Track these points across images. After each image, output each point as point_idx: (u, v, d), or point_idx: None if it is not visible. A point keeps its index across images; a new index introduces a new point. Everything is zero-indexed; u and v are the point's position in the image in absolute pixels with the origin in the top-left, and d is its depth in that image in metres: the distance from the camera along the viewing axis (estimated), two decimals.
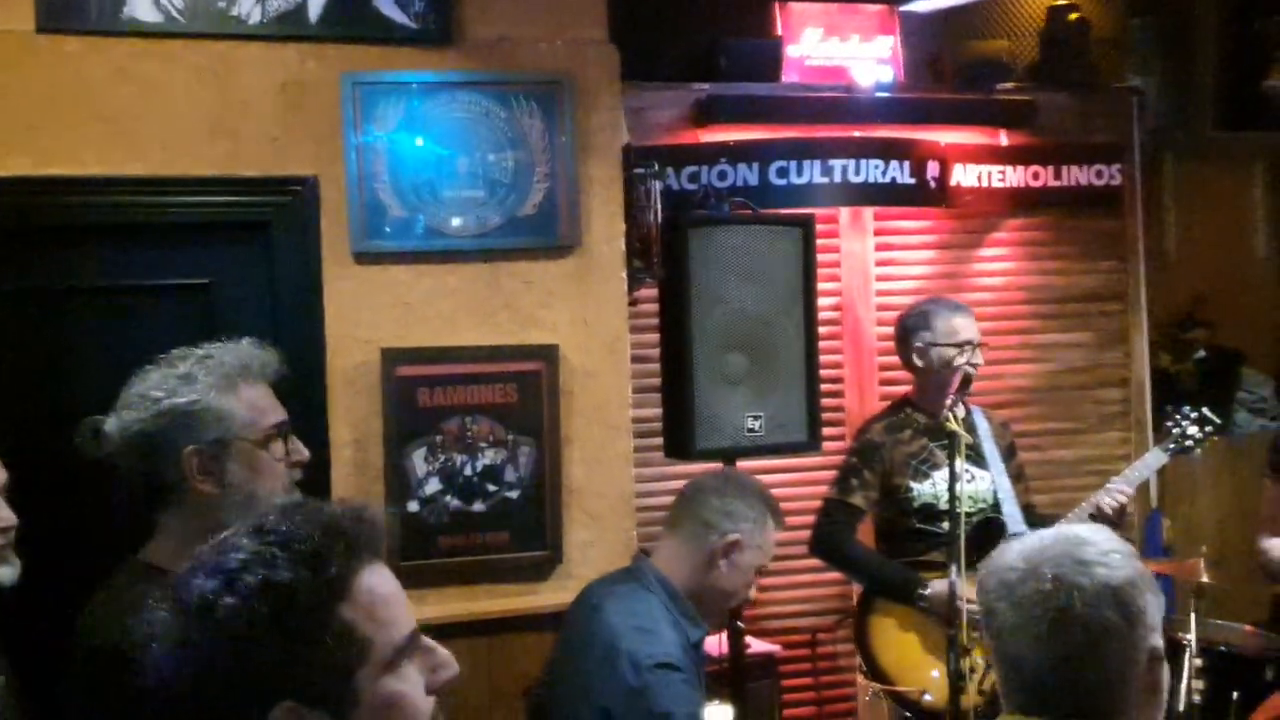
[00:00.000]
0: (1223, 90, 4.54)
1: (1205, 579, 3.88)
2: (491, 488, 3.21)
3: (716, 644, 3.02)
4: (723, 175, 3.99)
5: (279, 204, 3.16)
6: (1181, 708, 3.90)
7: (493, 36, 3.28)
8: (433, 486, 3.17)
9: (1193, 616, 3.85)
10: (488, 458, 3.20)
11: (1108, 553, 1.45)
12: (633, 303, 3.54)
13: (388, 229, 3.18)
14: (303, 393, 3.00)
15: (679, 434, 3.23)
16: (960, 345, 3.42)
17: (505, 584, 3.23)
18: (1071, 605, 1.40)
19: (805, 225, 3.39)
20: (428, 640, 1.16)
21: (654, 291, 3.41)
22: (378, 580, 1.11)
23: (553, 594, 3.19)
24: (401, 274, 3.21)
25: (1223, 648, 3.95)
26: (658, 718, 2.28)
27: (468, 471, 3.19)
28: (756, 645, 3.74)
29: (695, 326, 3.19)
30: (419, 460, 3.16)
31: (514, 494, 3.22)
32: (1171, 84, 4.61)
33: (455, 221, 3.22)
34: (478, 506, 3.19)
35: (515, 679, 3.07)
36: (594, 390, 3.32)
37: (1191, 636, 3.83)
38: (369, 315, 3.19)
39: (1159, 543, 4.49)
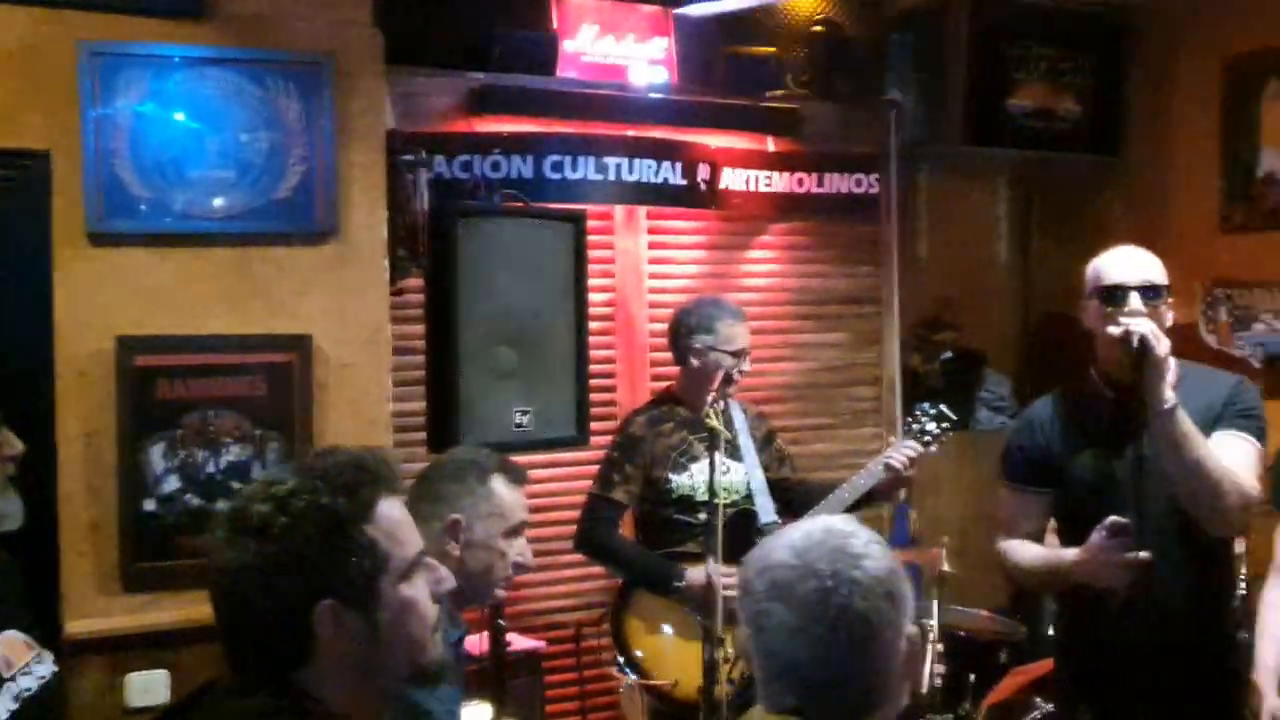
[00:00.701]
0: (971, 108, 4.79)
1: (947, 568, 4.11)
2: (236, 486, 3.04)
3: (477, 642, 2.97)
4: (496, 166, 3.94)
5: (5, 179, 2.91)
6: (924, 690, 4.13)
7: (249, 11, 3.12)
8: (171, 485, 2.99)
9: (935, 604, 4.07)
10: (232, 454, 3.04)
11: (869, 544, 1.47)
12: (398, 292, 3.44)
13: (128, 209, 2.98)
14: (27, 382, 2.78)
15: (444, 428, 3.15)
16: (736, 353, 3.50)
17: None
18: (852, 601, 1.40)
19: (577, 221, 3.38)
20: (429, 559, 1.44)
21: (419, 281, 3.32)
22: (394, 508, 1.39)
23: None
24: (142, 257, 3.01)
25: (962, 633, 4.20)
26: (420, 717, 2.21)
27: (210, 469, 3.03)
28: (519, 642, 3.72)
29: (462, 319, 3.12)
30: (157, 456, 2.97)
31: None
32: (926, 99, 4.85)
33: (203, 203, 3.05)
34: (221, 506, 3.01)
35: None
36: (351, 383, 3.21)
37: (934, 622, 4.05)
38: (105, 301, 2.98)
39: (906, 533, 4.72)
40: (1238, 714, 2.68)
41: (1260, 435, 2.55)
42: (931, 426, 3.65)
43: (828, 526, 1.51)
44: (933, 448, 3.67)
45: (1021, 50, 4.85)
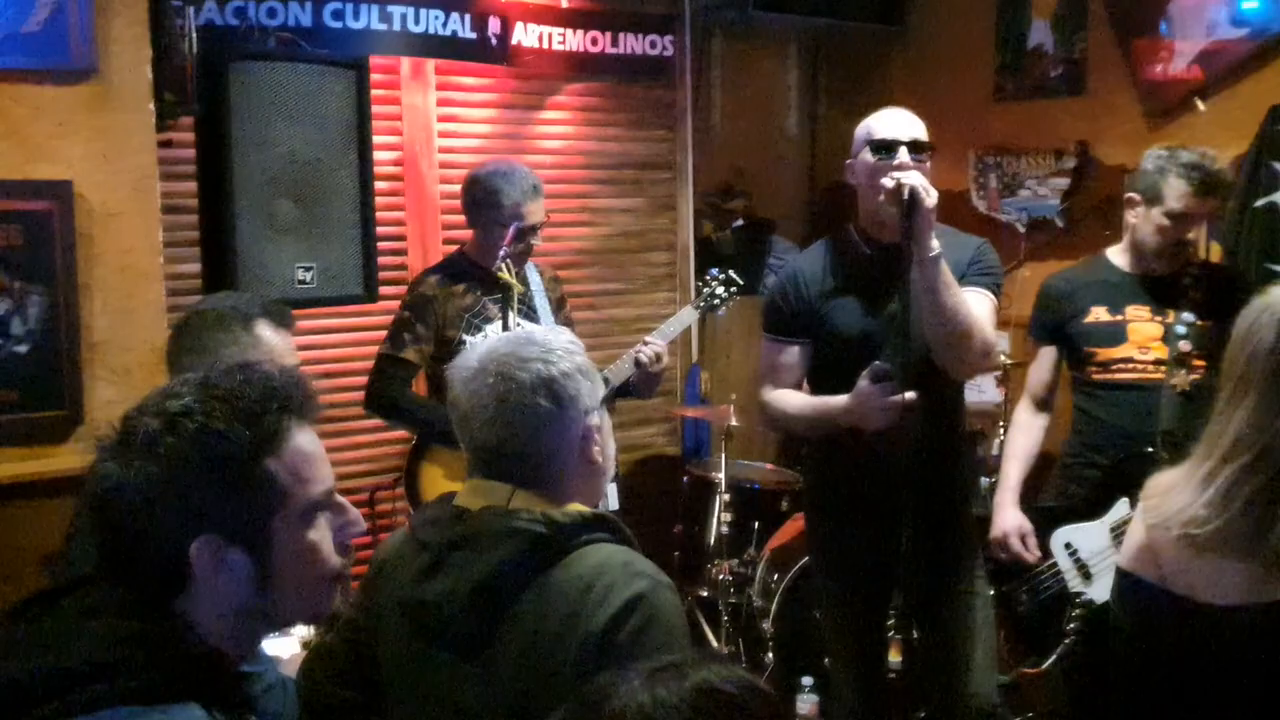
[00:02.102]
0: None
1: (734, 423, 4.28)
2: None
3: None
4: (272, 13, 3.73)
5: None
6: (712, 539, 4.32)
7: None
8: None
9: (723, 457, 4.24)
10: None
11: (550, 350, 1.67)
12: (167, 144, 3.24)
13: None
14: None
15: (220, 287, 3.02)
16: (530, 229, 3.40)
17: (16, 447, 2.91)
18: (509, 395, 1.63)
19: (358, 68, 3.23)
20: (340, 498, 1.31)
21: (191, 135, 3.13)
22: (305, 441, 1.27)
23: (72, 457, 2.91)
24: None
25: (746, 484, 4.39)
26: None
27: None
28: None
29: (237, 169, 2.97)
30: None
31: (23, 348, 2.89)
32: None
33: None
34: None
35: (32, 548, 2.79)
36: (118, 234, 3.02)
37: (721, 475, 4.22)
38: None
39: (697, 392, 4.87)
40: (961, 534, 2.89)
41: (997, 291, 2.76)
42: (720, 291, 3.75)
43: (518, 336, 1.76)
44: (720, 310, 3.79)
45: None
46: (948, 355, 2.63)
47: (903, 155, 2.61)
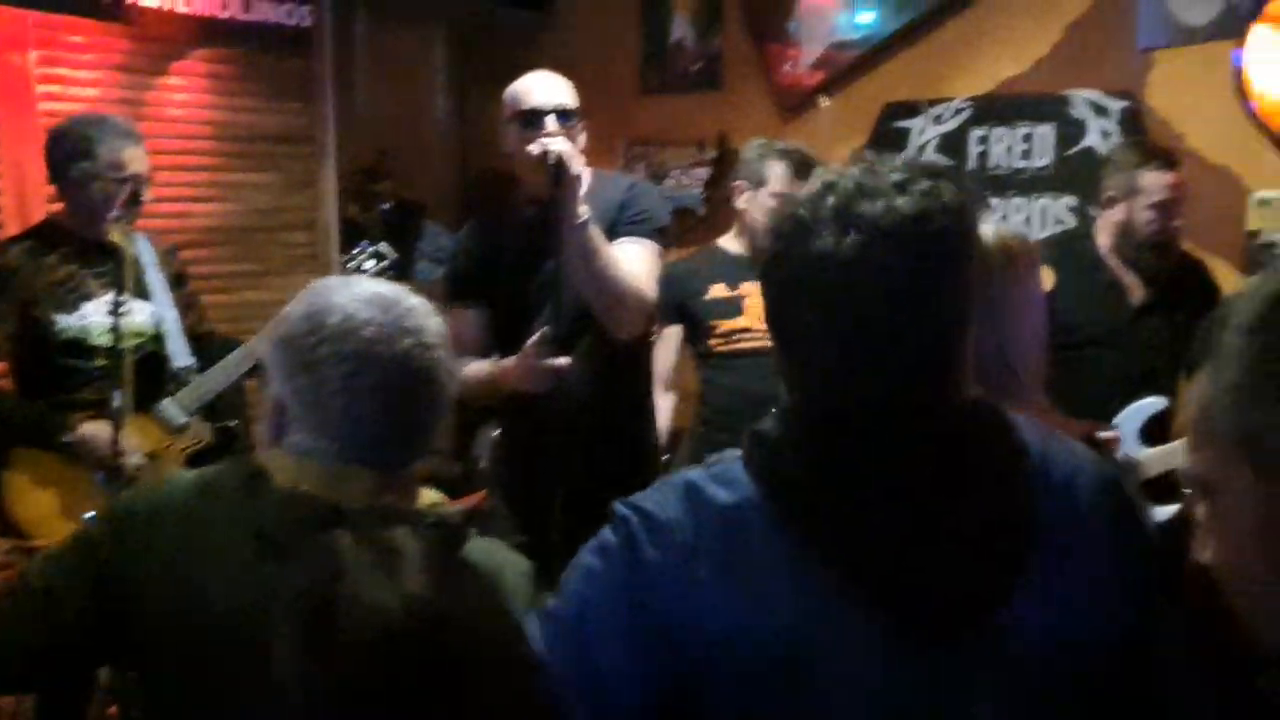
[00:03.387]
0: None
1: None
2: None
3: None
4: None
5: None
6: None
7: None
8: None
9: None
10: None
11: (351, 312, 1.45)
12: None
13: None
14: None
15: None
16: (125, 180, 2.99)
17: None
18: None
19: None
20: None
21: None
22: None
23: None
24: None
25: None
26: None
27: None
28: None
29: None
30: None
31: None
32: None
33: None
34: None
35: None
36: None
37: None
38: None
39: None
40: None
41: (657, 235, 2.72)
42: (369, 265, 3.49)
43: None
44: None
45: None
46: (605, 316, 2.62)
47: (550, 124, 2.58)
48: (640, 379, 2.90)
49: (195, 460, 3.05)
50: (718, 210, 4.66)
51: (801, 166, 3.24)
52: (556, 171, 2.47)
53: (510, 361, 2.61)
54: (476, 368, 2.76)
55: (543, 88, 2.65)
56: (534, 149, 2.51)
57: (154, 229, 3.41)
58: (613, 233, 2.64)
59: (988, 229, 1.50)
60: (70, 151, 2.98)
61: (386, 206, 4.94)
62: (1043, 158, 3.90)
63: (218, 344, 3.33)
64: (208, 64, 4.26)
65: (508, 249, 2.76)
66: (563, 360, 2.49)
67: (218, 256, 4.33)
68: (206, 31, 4.15)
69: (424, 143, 5.15)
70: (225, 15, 4.18)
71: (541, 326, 2.56)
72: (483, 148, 5.18)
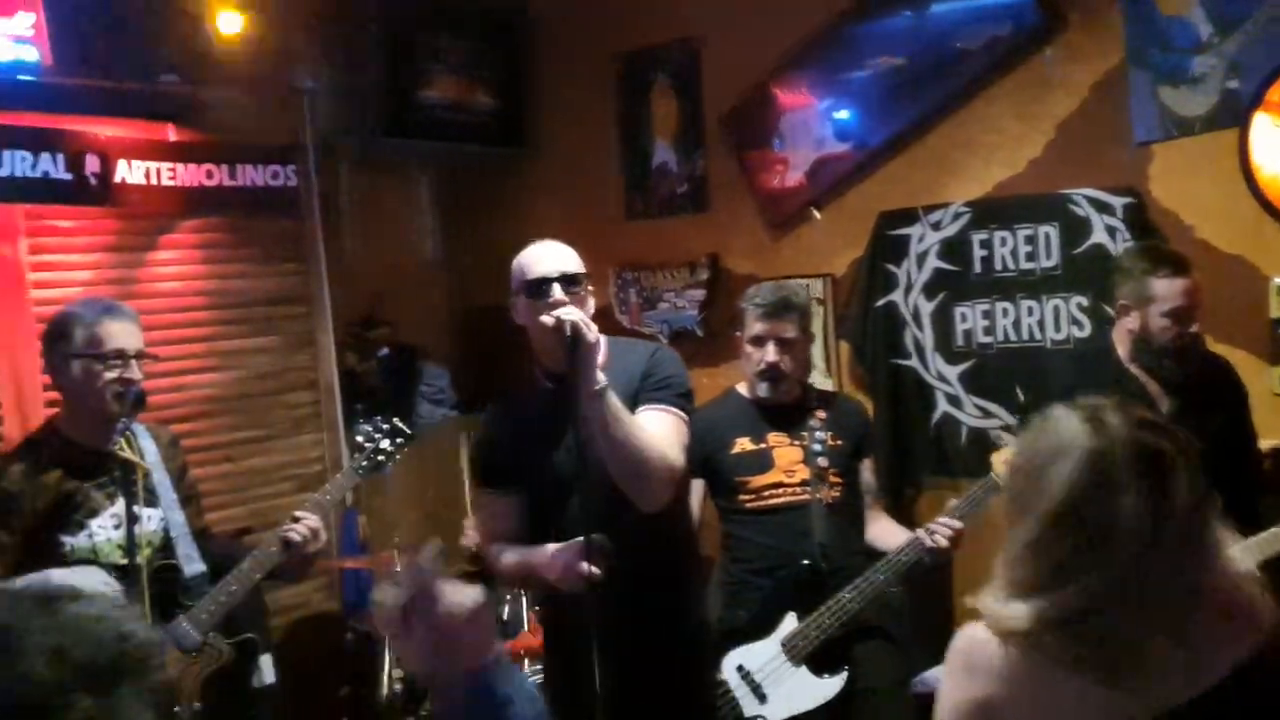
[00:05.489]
0: (387, 100, 4.69)
1: (400, 569, 4.01)
2: None
3: None
4: None
5: None
6: (384, 695, 4.00)
7: None
8: None
9: None
10: None
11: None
12: None
13: None
14: None
15: None
16: (105, 356, 2.77)
17: None
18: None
19: None
20: None
21: None
22: None
23: None
24: None
25: None
26: None
27: None
28: None
29: None
30: None
31: None
32: (341, 88, 4.66)
33: None
34: None
35: None
36: None
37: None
38: None
39: (355, 540, 4.55)
40: (697, 675, 2.83)
41: (678, 402, 2.65)
42: (386, 445, 3.23)
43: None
44: (387, 468, 3.30)
45: (433, 43, 4.83)
46: (629, 486, 2.52)
47: (556, 292, 2.54)
48: (683, 549, 2.82)
49: (212, 679, 2.82)
50: (717, 332, 4.63)
51: (769, 308, 3.24)
52: (572, 340, 2.42)
53: (548, 552, 2.54)
54: (510, 558, 2.69)
55: (547, 256, 2.60)
56: (547, 320, 2.46)
57: (153, 404, 3.28)
58: (635, 401, 2.59)
59: None
60: (50, 335, 2.83)
61: (384, 353, 4.89)
62: (1049, 258, 3.87)
63: (218, 544, 3.11)
64: (198, 234, 4.24)
65: (530, 427, 2.68)
66: (595, 571, 2.39)
67: (219, 426, 4.27)
68: (194, 202, 4.13)
69: (414, 284, 5.12)
70: (212, 183, 4.16)
71: (573, 503, 2.49)
72: (472, 283, 5.17)
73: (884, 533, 3.30)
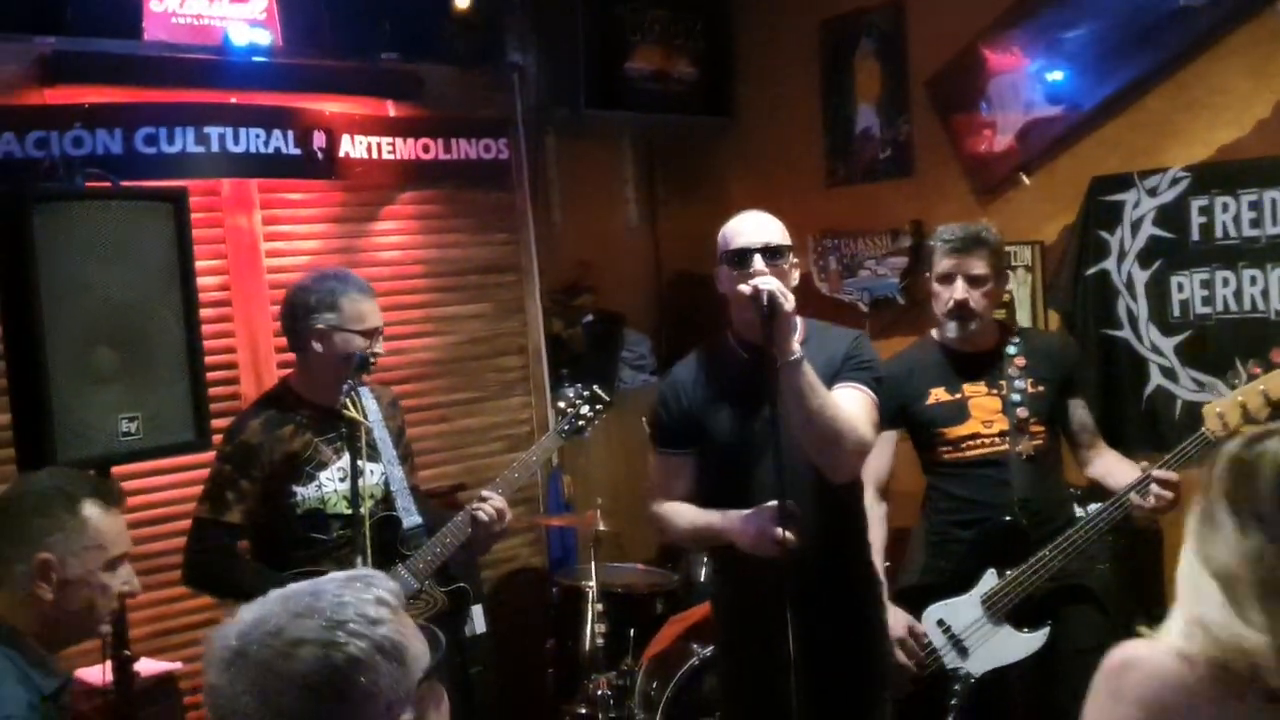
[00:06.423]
0: (591, 72, 4.80)
1: (602, 527, 4.16)
2: None
3: (100, 674, 2.65)
4: (79, 142, 3.52)
5: None
6: (587, 652, 4.16)
7: None
8: None
9: (592, 565, 4.10)
10: None
11: (337, 623, 1.24)
12: None
13: None
14: None
15: (36, 444, 2.77)
16: (367, 333, 3.02)
17: None
18: (271, 696, 1.22)
19: (177, 200, 3.02)
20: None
21: None
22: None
23: None
24: None
25: (619, 589, 4.26)
26: None
27: None
28: (151, 666, 3.37)
29: (48, 318, 2.73)
30: None
31: None
32: (549, 63, 4.81)
33: None
34: None
35: None
36: None
37: (592, 584, 4.08)
38: None
39: (560, 499, 4.74)
40: (876, 652, 2.87)
41: (873, 385, 2.70)
42: (586, 410, 3.41)
43: (297, 598, 1.29)
44: (586, 432, 3.46)
45: (636, 14, 4.91)
46: (820, 458, 2.59)
47: (757, 263, 2.58)
48: (856, 518, 2.87)
49: (430, 622, 3.00)
50: (919, 300, 4.56)
51: (958, 243, 3.11)
52: (769, 309, 2.46)
53: (737, 517, 2.60)
54: (690, 517, 2.76)
55: (750, 227, 2.66)
56: (744, 288, 2.51)
57: (375, 366, 3.51)
58: (834, 381, 2.62)
59: None
60: (315, 305, 3.00)
61: (589, 319, 5.03)
62: (1276, 225, 3.64)
63: (426, 502, 3.30)
64: (416, 205, 4.47)
65: (723, 393, 2.74)
66: (791, 538, 2.45)
67: (435, 388, 4.50)
68: (412, 174, 4.36)
69: (619, 252, 5.25)
70: (429, 157, 4.38)
71: (763, 474, 2.55)
72: (674, 250, 5.27)
73: (1111, 468, 3.11)
